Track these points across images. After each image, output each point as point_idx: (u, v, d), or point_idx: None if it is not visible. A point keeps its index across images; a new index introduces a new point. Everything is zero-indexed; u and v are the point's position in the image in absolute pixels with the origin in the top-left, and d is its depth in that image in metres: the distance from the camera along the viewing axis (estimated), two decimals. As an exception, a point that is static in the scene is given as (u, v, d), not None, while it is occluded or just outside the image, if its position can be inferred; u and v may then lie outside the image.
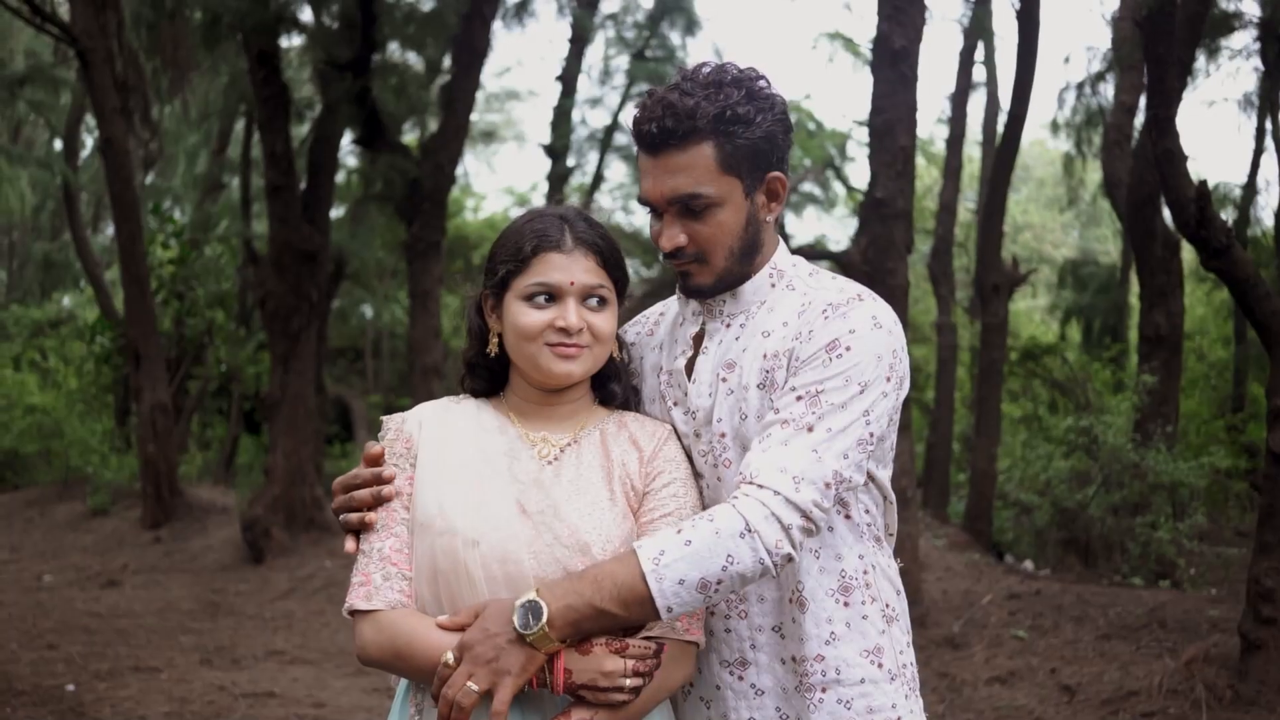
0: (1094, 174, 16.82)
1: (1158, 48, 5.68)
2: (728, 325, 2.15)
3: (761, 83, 2.05)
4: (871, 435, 1.98)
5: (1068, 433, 9.81)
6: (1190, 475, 8.91)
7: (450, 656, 1.82)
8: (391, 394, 23.39)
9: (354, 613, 1.97)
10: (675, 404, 2.17)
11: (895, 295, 7.46)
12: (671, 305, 2.32)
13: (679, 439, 2.15)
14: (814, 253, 18.60)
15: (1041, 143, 31.29)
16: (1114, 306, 17.62)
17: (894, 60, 7.37)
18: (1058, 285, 20.40)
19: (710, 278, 2.10)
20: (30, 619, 9.00)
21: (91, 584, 11.06)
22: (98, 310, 18.82)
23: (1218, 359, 16.07)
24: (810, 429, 1.92)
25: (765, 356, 2.06)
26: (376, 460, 2.07)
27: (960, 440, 16.60)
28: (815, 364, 1.98)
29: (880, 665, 2.08)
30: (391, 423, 2.14)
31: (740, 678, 2.10)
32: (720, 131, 2.00)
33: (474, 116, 27.45)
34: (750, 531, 1.83)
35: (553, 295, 2.02)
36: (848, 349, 1.97)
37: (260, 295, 12.40)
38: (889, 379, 2.01)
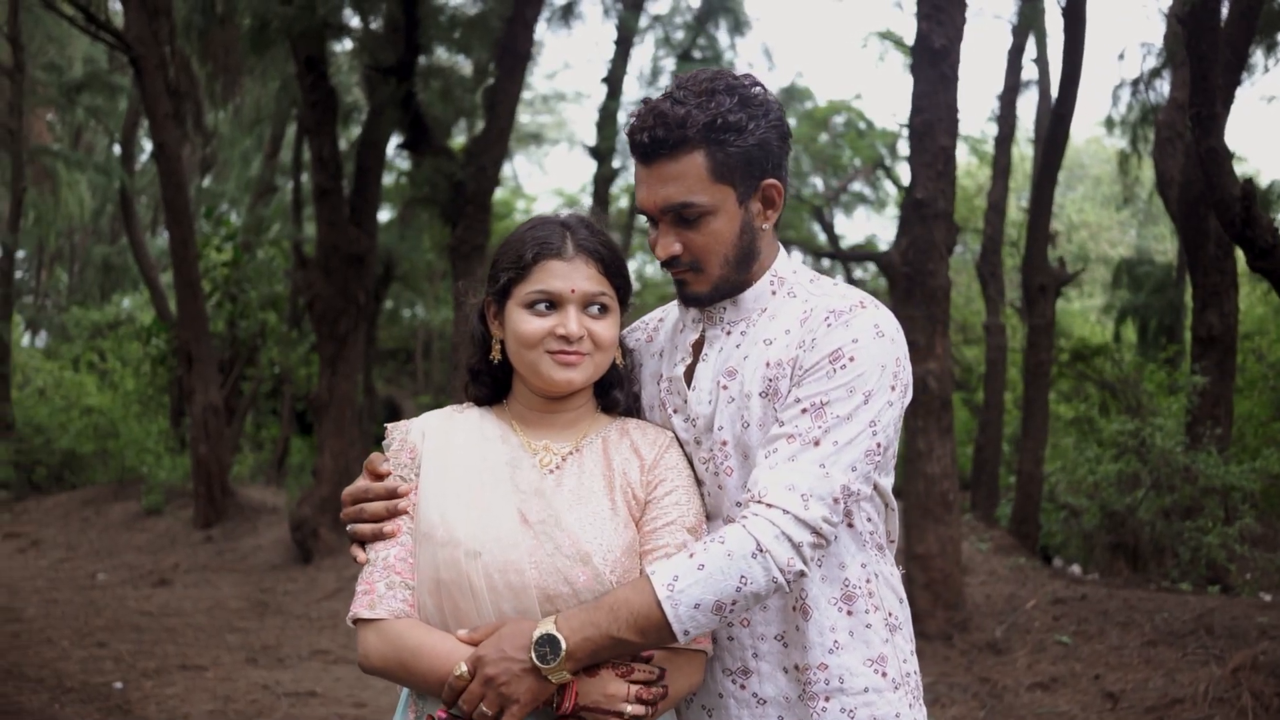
0: (1150, 171, 16.52)
1: (1200, 44, 5.58)
2: (728, 332, 2.14)
3: (756, 89, 2.03)
4: (878, 446, 1.97)
5: (1117, 435, 9.65)
6: (1242, 479, 8.73)
7: (464, 669, 1.83)
8: (442, 394, 23.56)
9: (358, 621, 1.98)
10: (675, 411, 2.16)
11: (936, 297, 7.40)
12: (671, 311, 2.31)
13: (680, 446, 2.14)
14: (854, 254, 18.52)
15: (1098, 140, 30.90)
16: (1170, 306, 17.29)
17: (934, 60, 7.31)
18: (1112, 285, 20.09)
19: (706, 286, 2.09)
20: (83, 617, 9.17)
21: (143, 583, 11.24)
22: (154, 312, 19.14)
23: (1278, 359, 15.71)
24: (817, 443, 1.92)
25: (768, 365, 2.04)
26: (381, 474, 2.09)
27: (1011, 442, 16.40)
28: (819, 374, 1.97)
29: (884, 674, 2.06)
30: (396, 432, 2.15)
31: (743, 686, 2.09)
32: (711, 140, 1.99)
33: (525, 118, 27.66)
34: (762, 552, 1.84)
35: (553, 302, 2.03)
36: (851, 359, 1.96)
37: (308, 297, 12.53)
38: (893, 388, 2.00)
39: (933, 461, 7.41)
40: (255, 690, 6.99)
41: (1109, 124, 15.25)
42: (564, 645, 1.80)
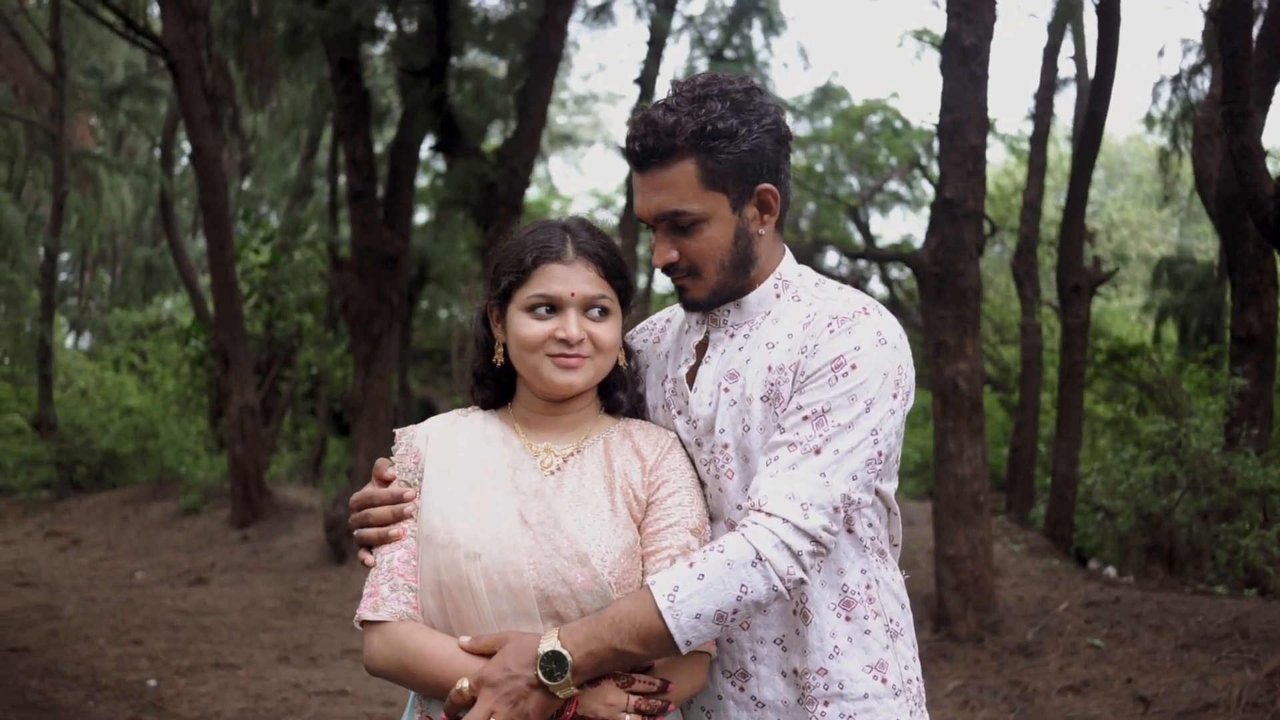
0: (1190, 169, 16.33)
1: (1233, 41, 5.51)
2: (731, 335, 2.14)
3: (751, 94, 2.03)
4: (880, 454, 1.96)
5: (1153, 436, 9.53)
6: (1281, 481, 8.60)
7: (465, 685, 1.85)
8: (477, 396, 23.57)
9: (363, 623, 2.00)
10: (679, 413, 2.16)
11: (966, 297, 7.35)
12: (678, 312, 2.31)
13: (683, 448, 2.14)
14: (885, 254, 18.40)
15: (1139, 137, 30.55)
16: (1210, 306, 17.05)
17: (964, 58, 7.26)
18: (1152, 284, 19.85)
19: (704, 291, 2.10)
20: (120, 615, 9.28)
21: (180, 581, 11.36)
22: (193, 314, 19.34)
23: (1319, 360, 15.44)
24: (818, 451, 1.91)
25: (770, 369, 2.04)
26: (387, 479, 2.12)
27: (1047, 443, 16.24)
28: (821, 381, 1.96)
29: (884, 681, 2.05)
30: (403, 437, 2.17)
31: (741, 689, 2.08)
32: (701, 147, 1.99)
33: (561, 119, 27.72)
34: (761, 560, 1.84)
35: (554, 306, 2.03)
36: (853, 367, 1.95)
37: (343, 299, 12.63)
38: (895, 395, 1.99)
39: (963, 462, 7.35)
40: (287, 689, 7.05)
41: (1149, 121, 15.09)
42: (569, 660, 1.81)
